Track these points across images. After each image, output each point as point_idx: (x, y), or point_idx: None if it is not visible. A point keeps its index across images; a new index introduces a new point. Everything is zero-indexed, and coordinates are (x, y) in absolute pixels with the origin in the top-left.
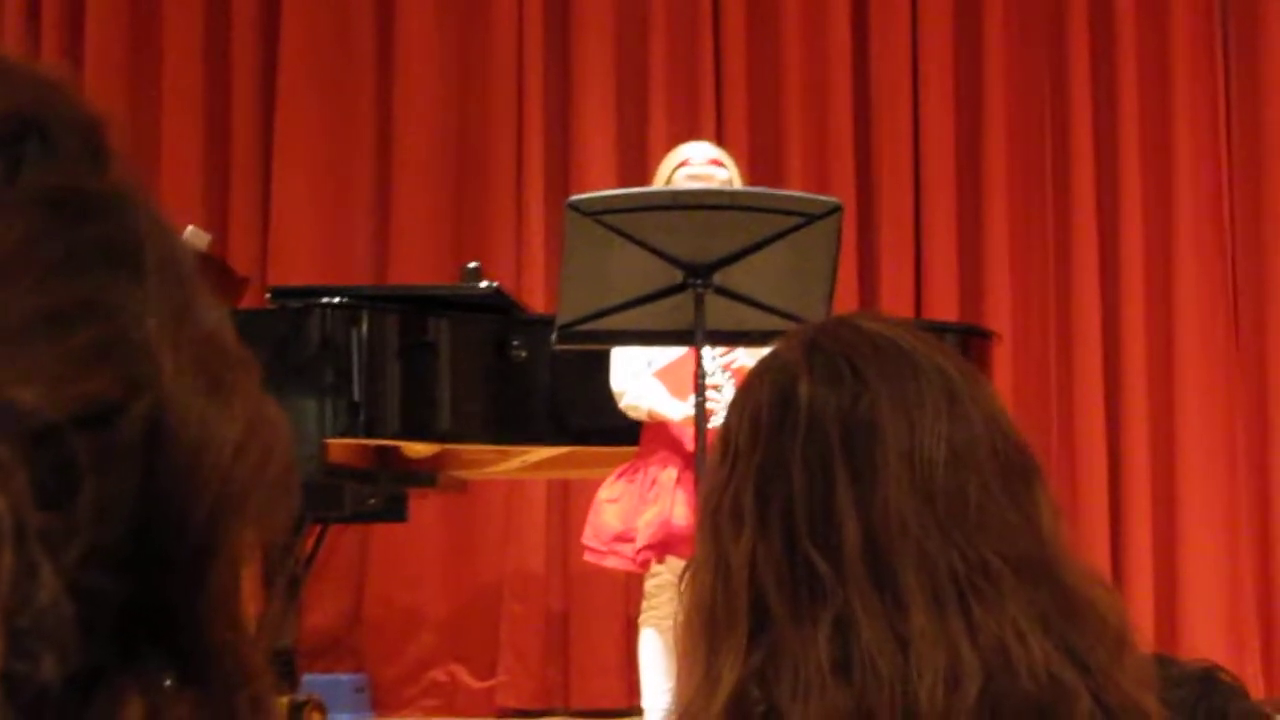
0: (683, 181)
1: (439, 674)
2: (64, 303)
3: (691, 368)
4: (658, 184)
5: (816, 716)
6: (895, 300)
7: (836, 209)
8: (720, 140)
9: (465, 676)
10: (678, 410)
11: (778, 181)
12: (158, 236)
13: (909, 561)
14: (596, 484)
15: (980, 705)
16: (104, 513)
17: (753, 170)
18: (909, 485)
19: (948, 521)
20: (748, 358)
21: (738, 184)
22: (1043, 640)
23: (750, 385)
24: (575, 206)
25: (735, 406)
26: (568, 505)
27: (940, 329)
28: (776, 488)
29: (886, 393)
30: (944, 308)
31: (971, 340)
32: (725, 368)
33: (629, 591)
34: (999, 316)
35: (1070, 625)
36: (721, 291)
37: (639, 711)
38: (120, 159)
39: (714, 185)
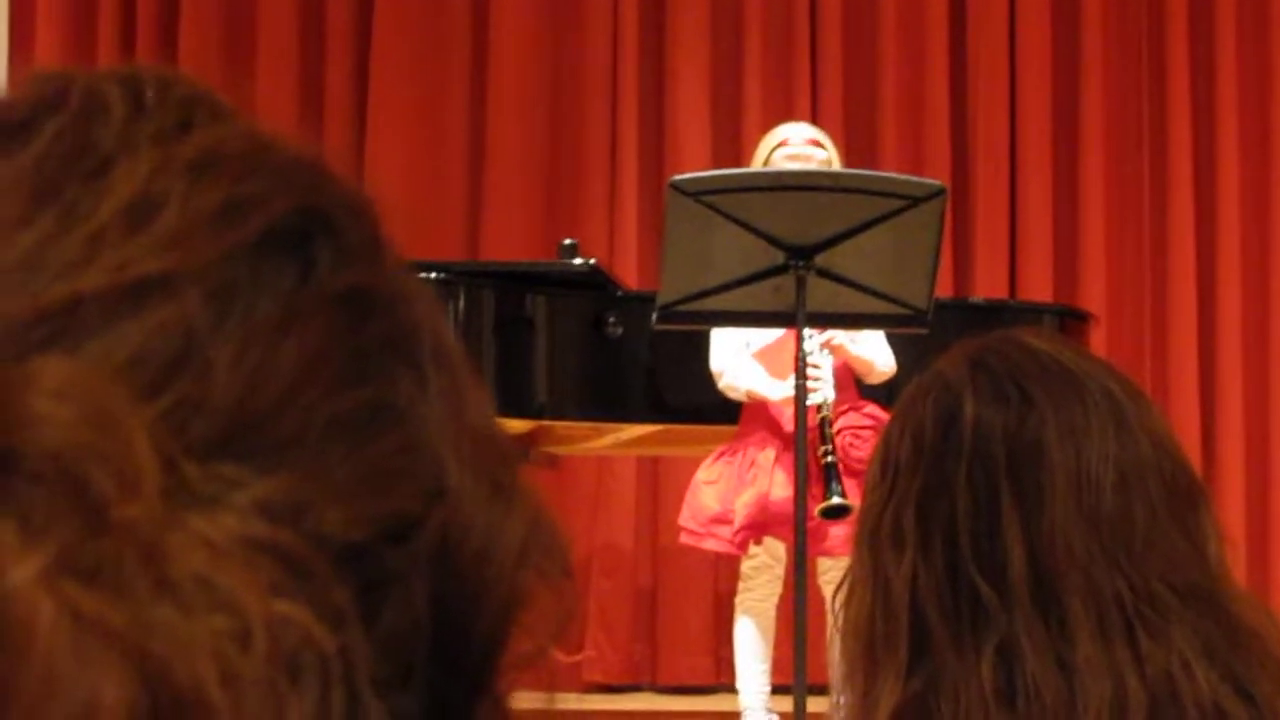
0: (781, 162)
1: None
2: (358, 408)
3: (790, 349)
4: (755, 164)
5: None
6: (990, 281)
7: (941, 191)
8: (814, 118)
9: (554, 651)
10: (777, 391)
11: (872, 163)
12: (429, 323)
13: (1075, 588)
14: (685, 462)
15: None
16: (408, 634)
17: (847, 152)
18: (1076, 509)
19: (1114, 547)
20: (844, 336)
21: (837, 165)
22: (1208, 671)
23: (913, 403)
24: (677, 186)
25: (896, 423)
26: (657, 481)
27: (1036, 310)
28: (940, 509)
29: (1053, 414)
30: (1039, 289)
31: (1067, 322)
32: (824, 346)
33: (718, 568)
34: (1094, 298)
35: (1235, 655)
36: (823, 274)
37: (726, 688)
38: (392, 244)
39: (813, 166)
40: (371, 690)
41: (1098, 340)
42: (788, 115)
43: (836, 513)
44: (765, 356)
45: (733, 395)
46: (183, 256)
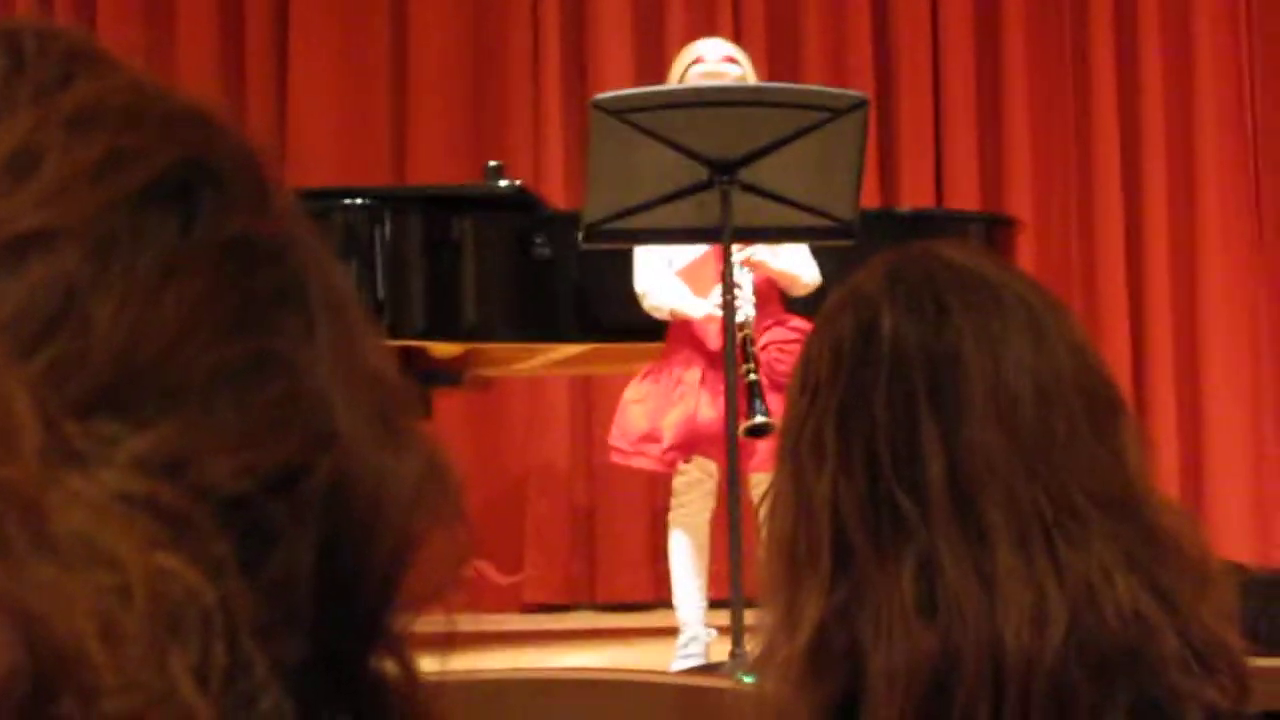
0: (696, 79)
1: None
2: (243, 358)
3: (712, 266)
4: (672, 81)
5: (900, 656)
6: (916, 191)
7: (863, 103)
8: (737, 34)
9: (491, 572)
10: (699, 308)
11: (796, 77)
12: (319, 269)
13: (995, 499)
14: (619, 380)
15: (1066, 645)
16: (293, 581)
17: (770, 67)
18: (994, 421)
19: (1034, 458)
20: (765, 251)
21: (752, 78)
22: (1128, 578)
23: (831, 316)
24: (600, 105)
25: (815, 337)
26: (591, 401)
27: (962, 219)
28: (859, 422)
29: (970, 325)
30: (966, 197)
31: (994, 229)
32: (744, 264)
33: (653, 485)
34: (1020, 204)
35: (1156, 562)
36: (749, 188)
37: (665, 605)
38: (280, 191)
39: (728, 82)
40: (255, 640)
41: (1026, 247)
42: (710, 32)
43: (760, 431)
44: (688, 274)
45: (658, 315)
46: (62, 211)
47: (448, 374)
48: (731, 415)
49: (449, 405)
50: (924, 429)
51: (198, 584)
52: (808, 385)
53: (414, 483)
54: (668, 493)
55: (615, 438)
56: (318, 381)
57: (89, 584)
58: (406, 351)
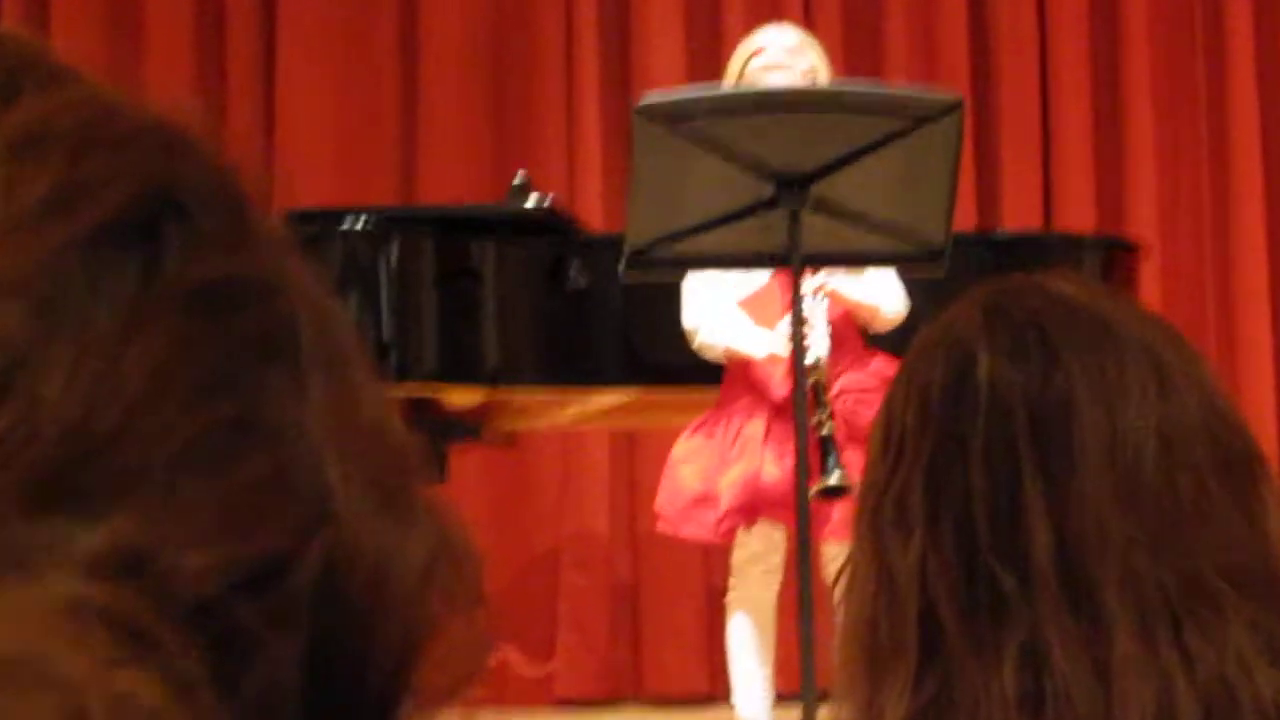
0: (757, 75)
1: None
2: (219, 428)
3: (779, 297)
4: (729, 79)
5: None
6: (1021, 209)
7: (957, 105)
8: (808, 21)
9: (518, 661)
10: (762, 346)
11: (877, 72)
12: (313, 315)
13: (1111, 576)
14: (668, 434)
15: None
16: (278, 696)
17: (847, 58)
18: (1111, 483)
19: (1157, 527)
20: (843, 280)
21: (824, 76)
22: (1270, 671)
23: (918, 360)
24: (645, 111)
25: (900, 384)
26: (635, 458)
27: (1075, 243)
28: (951, 485)
29: (1083, 370)
30: (1079, 217)
31: (1112, 255)
32: (816, 292)
33: (709, 558)
34: (1144, 226)
35: None
36: (821, 207)
37: (724, 700)
38: (265, 220)
39: (794, 78)
40: None
41: (1150, 277)
42: (775, 18)
43: (835, 493)
44: (749, 307)
45: (710, 356)
46: (2, 262)
47: (466, 427)
48: (801, 475)
49: (467, 464)
50: (1028, 493)
51: (164, 707)
52: (891, 441)
53: (424, 563)
54: (725, 568)
55: (662, 503)
56: (310, 453)
57: (38, 709)
58: (417, 400)
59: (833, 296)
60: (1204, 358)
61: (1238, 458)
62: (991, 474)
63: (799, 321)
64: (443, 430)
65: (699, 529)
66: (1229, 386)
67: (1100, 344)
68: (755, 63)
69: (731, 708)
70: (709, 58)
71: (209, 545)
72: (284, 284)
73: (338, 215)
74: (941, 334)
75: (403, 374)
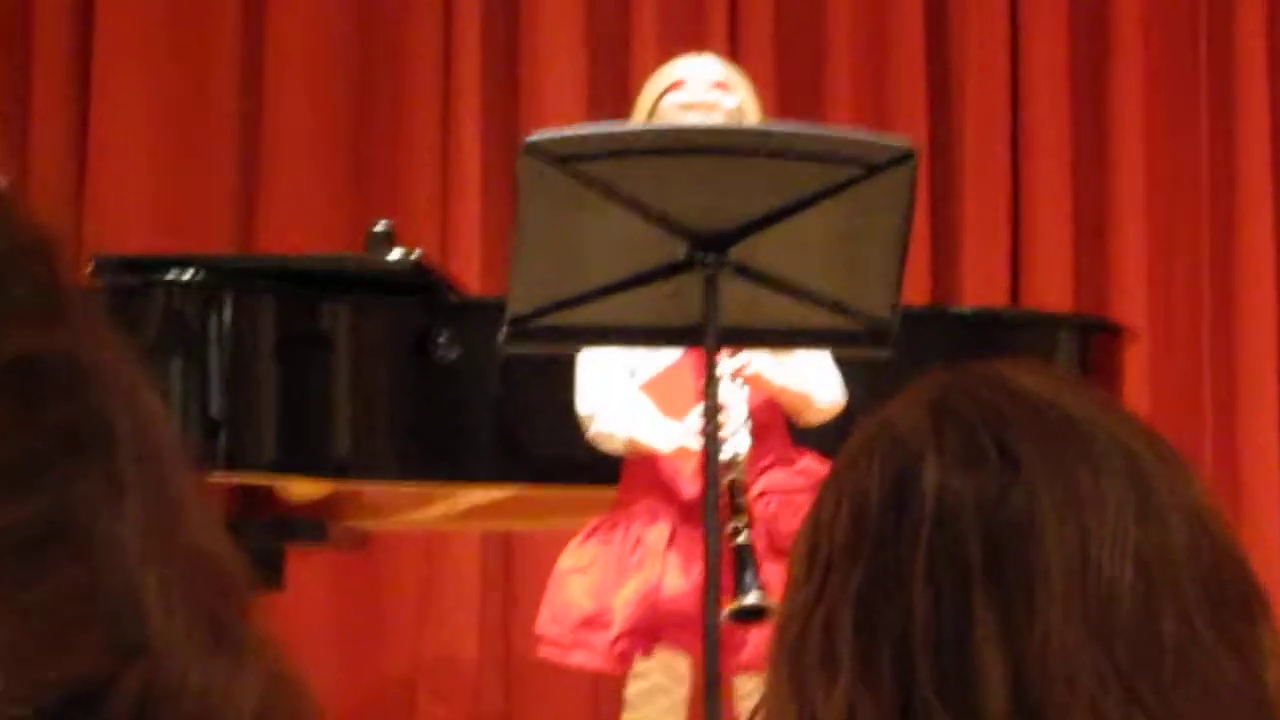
0: (674, 113)
1: None
2: (22, 531)
3: (690, 379)
4: (639, 116)
5: None
6: (983, 281)
7: (909, 154)
8: (735, 52)
9: None
10: (669, 438)
11: (817, 115)
12: (127, 403)
13: None
14: (554, 539)
15: None
16: None
17: (780, 97)
18: (1079, 618)
19: (1133, 671)
20: (767, 361)
21: (753, 116)
22: None
23: (853, 464)
24: (533, 150)
25: (829, 492)
26: (512, 567)
27: (1048, 322)
28: (888, 615)
29: (1048, 481)
30: (1053, 292)
31: (1092, 338)
32: (735, 375)
33: (599, 691)
34: (1131, 304)
35: None
36: (744, 272)
37: None
38: (75, 288)
39: (718, 119)
40: None
41: (1136, 366)
42: (696, 45)
43: (751, 615)
44: (655, 390)
45: (608, 447)
46: None
47: (309, 525)
48: (711, 592)
49: (309, 570)
50: (980, 627)
51: None
52: (817, 559)
53: (254, 704)
54: (618, 703)
55: (546, 622)
56: (126, 572)
57: None
58: (250, 492)
59: (755, 380)
60: (1195, 470)
61: (1232, 592)
62: (937, 604)
63: (713, 409)
64: (281, 528)
65: (589, 655)
66: (1225, 506)
67: (1070, 450)
68: (670, 99)
69: None
70: (614, 91)
71: (12, 664)
72: (98, 366)
73: (160, 264)
74: (880, 433)
75: (234, 460)
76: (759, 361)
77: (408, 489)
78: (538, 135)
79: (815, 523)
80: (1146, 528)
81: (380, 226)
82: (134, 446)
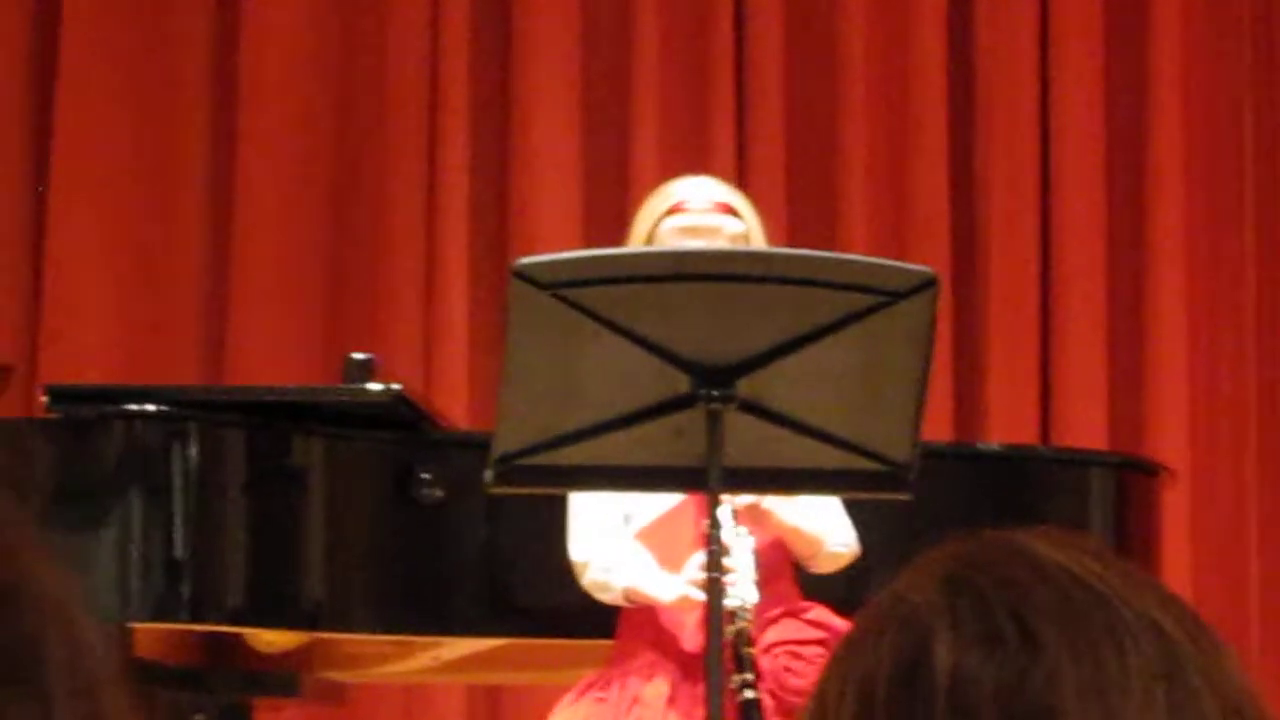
0: (673, 237)
1: None
2: None
3: (690, 525)
4: (636, 240)
5: None
6: (1012, 419)
7: (930, 282)
8: (742, 174)
9: None
10: (670, 588)
11: (830, 237)
12: (59, 627)
13: None
14: (544, 694)
15: None
16: None
17: (791, 226)
18: None
19: None
20: (777, 501)
21: (759, 243)
22: None
23: (858, 642)
24: (524, 274)
25: (833, 674)
26: None
27: (1081, 461)
28: None
29: (1072, 664)
30: (1086, 429)
31: (1129, 478)
32: (740, 518)
33: None
34: (1172, 442)
35: None
36: (751, 408)
37: None
38: (11, 517)
39: (722, 244)
40: None
41: (1176, 508)
42: (699, 164)
43: None
44: (654, 536)
45: (604, 597)
46: None
47: (280, 678)
48: None
49: None
50: None
51: None
52: None
53: None
54: None
55: None
56: None
57: None
58: (217, 640)
59: (764, 518)
60: (1233, 653)
61: None
62: None
63: (717, 555)
64: (249, 681)
65: None
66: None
67: (1094, 629)
68: (670, 222)
69: None
70: (611, 214)
71: None
72: (28, 591)
73: (120, 395)
74: (889, 608)
75: (198, 607)
76: (768, 500)
77: (387, 640)
78: (529, 260)
79: (820, 705)
80: (1178, 715)
81: (359, 356)
82: (65, 667)
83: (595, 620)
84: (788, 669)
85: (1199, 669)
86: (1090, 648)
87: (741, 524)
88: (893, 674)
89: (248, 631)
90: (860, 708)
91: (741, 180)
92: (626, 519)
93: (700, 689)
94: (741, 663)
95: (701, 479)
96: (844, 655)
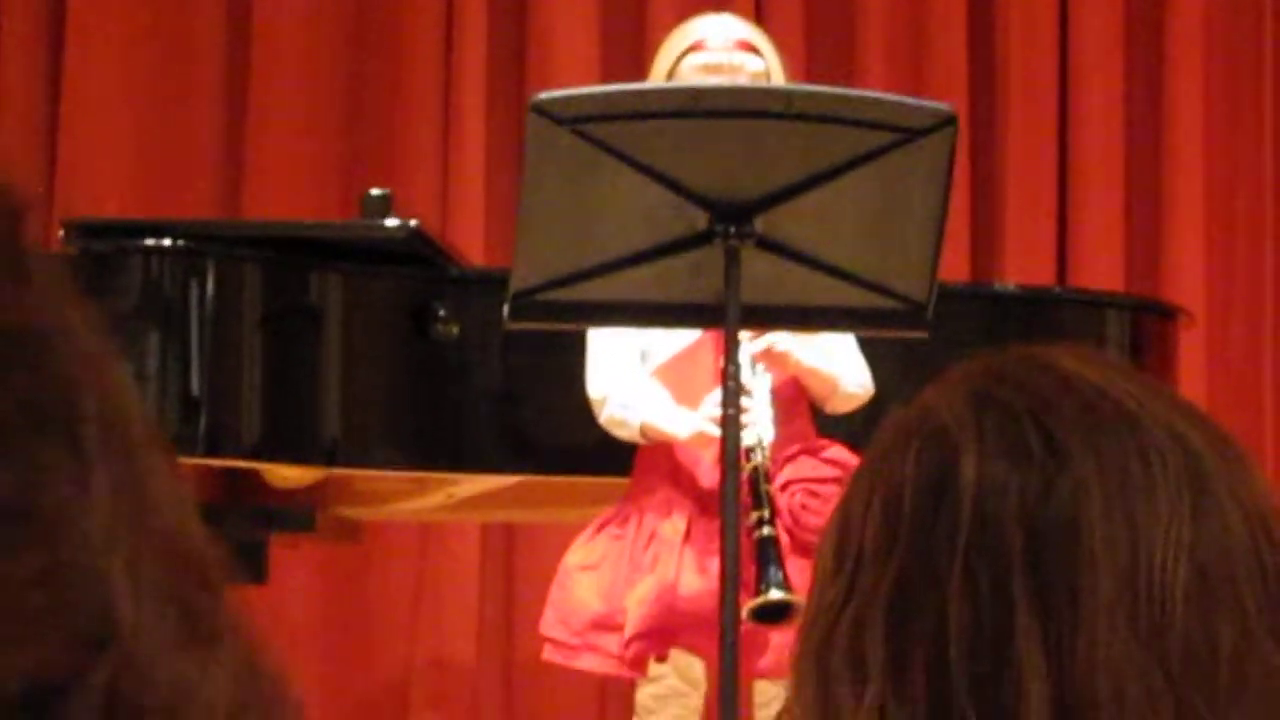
0: (693, 75)
1: None
2: None
3: (709, 361)
4: (656, 78)
5: None
6: (1028, 259)
7: (949, 120)
8: (761, 13)
9: None
10: (687, 424)
11: (849, 78)
12: (93, 376)
13: None
14: (561, 532)
15: None
16: None
17: (810, 64)
18: (1129, 625)
19: (1186, 684)
20: (791, 339)
21: (779, 79)
22: None
23: (884, 455)
24: (542, 109)
25: (859, 487)
26: (514, 563)
27: (1095, 302)
28: (922, 621)
29: (1096, 474)
30: (1103, 271)
31: (1144, 320)
32: (758, 357)
33: (608, 696)
34: (1186, 285)
35: None
36: (767, 245)
37: None
38: (39, 259)
39: (742, 81)
40: None
41: (1192, 348)
42: (718, 2)
43: (774, 614)
44: (671, 373)
45: (621, 434)
46: None
47: (295, 514)
48: (730, 589)
49: (295, 562)
50: (1021, 635)
51: None
52: (846, 558)
53: (228, 698)
54: (628, 708)
55: (550, 624)
56: (93, 557)
57: None
58: (233, 477)
59: (781, 359)
60: (1255, 465)
61: None
62: (974, 608)
63: (735, 392)
64: (265, 517)
65: (599, 659)
66: None
67: (1120, 441)
68: (690, 60)
69: None
70: (629, 53)
71: None
72: (63, 339)
73: (137, 229)
74: (917, 422)
75: (215, 443)
76: (782, 342)
77: (402, 476)
78: (547, 94)
79: (844, 517)
80: (1203, 527)
81: (377, 192)
82: (100, 422)
83: (612, 457)
84: (804, 506)
85: (1222, 481)
86: (1115, 459)
87: (759, 362)
88: (919, 485)
89: (264, 467)
90: (886, 517)
91: (759, 18)
92: (644, 356)
93: (716, 525)
94: (758, 499)
95: (719, 315)
96: (870, 467)
